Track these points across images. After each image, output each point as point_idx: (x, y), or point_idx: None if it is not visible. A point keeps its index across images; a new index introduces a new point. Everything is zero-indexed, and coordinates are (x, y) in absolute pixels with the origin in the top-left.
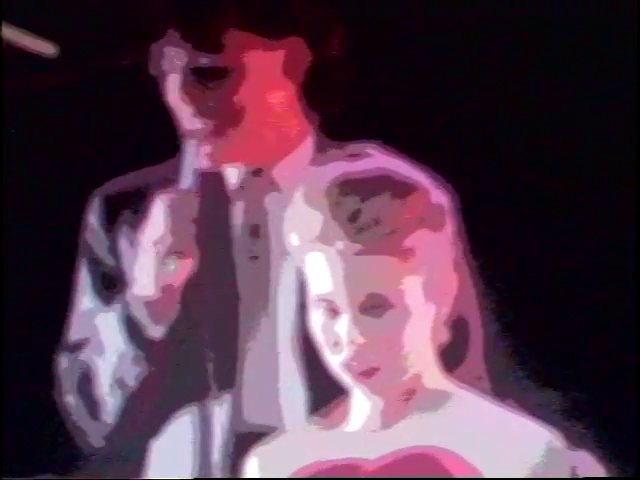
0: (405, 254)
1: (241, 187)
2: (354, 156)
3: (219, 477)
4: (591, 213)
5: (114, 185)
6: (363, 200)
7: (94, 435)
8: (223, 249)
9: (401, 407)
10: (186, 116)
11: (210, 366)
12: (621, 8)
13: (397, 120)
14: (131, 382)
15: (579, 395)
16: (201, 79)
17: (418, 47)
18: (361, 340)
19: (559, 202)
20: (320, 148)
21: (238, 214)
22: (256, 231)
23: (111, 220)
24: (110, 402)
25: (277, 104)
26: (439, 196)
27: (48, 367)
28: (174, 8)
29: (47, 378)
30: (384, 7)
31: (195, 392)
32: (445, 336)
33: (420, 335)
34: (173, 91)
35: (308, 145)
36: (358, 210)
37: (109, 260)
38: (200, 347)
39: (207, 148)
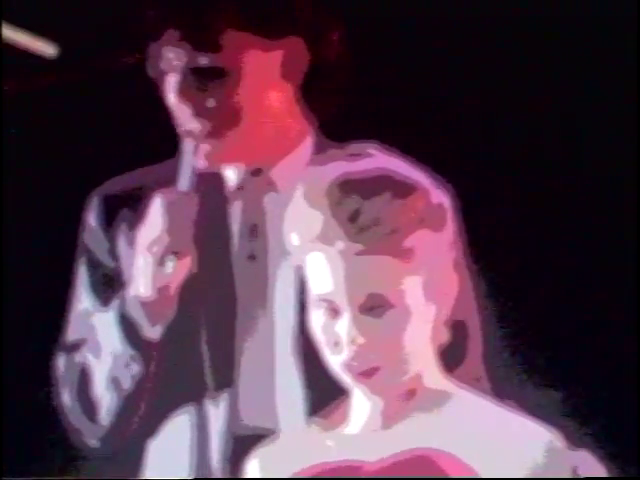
0: (405, 254)
1: (240, 187)
2: (354, 156)
3: (217, 477)
4: (591, 213)
5: (113, 185)
6: (363, 200)
7: (91, 436)
8: (221, 249)
9: (401, 407)
10: (185, 116)
11: (207, 366)
12: (621, 8)
13: (397, 120)
14: (128, 383)
15: (579, 395)
16: (200, 79)
17: (418, 47)
18: (361, 340)
19: (559, 202)
20: (319, 148)
21: (236, 214)
22: (254, 231)
23: (110, 220)
24: (106, 402)
25: (276, 104)
26: (439, 196)
27: (47, 367)
28: (173, 8)
29: (46, 379)
30: (384, 7)
31: (192, 392)
32: (445, 336)
33: (420, 335)
34: (172, 91)
35: (307, 145)
36: (358, 210)
37: (107, 260)
38: (197, 347)
39: (206, 148)
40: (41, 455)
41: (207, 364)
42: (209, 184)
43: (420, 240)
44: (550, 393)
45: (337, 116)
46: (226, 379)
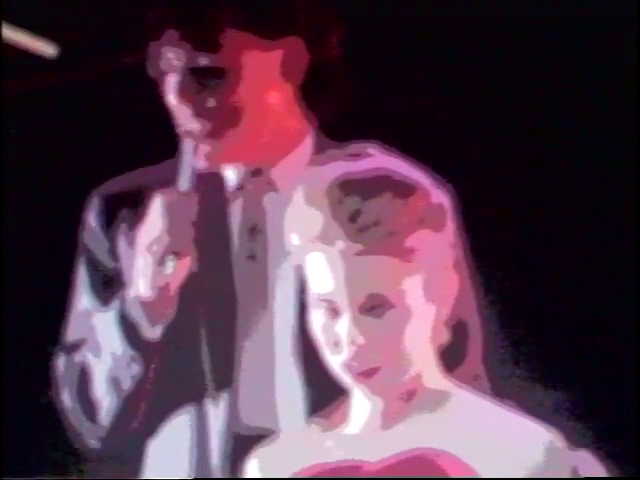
0: (406, 254)
1: (240, 187)
2: (354, 156)
3: (217, 477)
4: (591, 213)
5: (113, 185)
6: (364, 200)
7: (91, 436)
8: (221, 249)
9: (401, 407)
10: (184, 116)
11: (207, 366)
12: (621, 8)
13: (397, 120)
14: (128, 383)
15: (579, 395)
16: (200, 79)
17: (418, 47)
18: (361, 340)
19: (559, 202)
20: (319, 148)
21: (236, 214)
22: (254, 231)
23: (110, 220)
24: (106, 403)
25: (276, 104)
26: (439, 196)
27: (47, 368)
28: (173, 8)
29: (46, 379)
30: (384, 7)
31: (192, 392)
32: (445, 336)
33: (420, 335)
34: (172, 91)
35: (307, 145)
36: (359, 210)
37: (107, 260)
38: (197, 347)
39: (206, 148)
40: (41, 455)
41: (207, 364)
42: (209, 184)
43: (420, 240)
44: (550, 393)
45: (337, 116)
46: (226, 379)
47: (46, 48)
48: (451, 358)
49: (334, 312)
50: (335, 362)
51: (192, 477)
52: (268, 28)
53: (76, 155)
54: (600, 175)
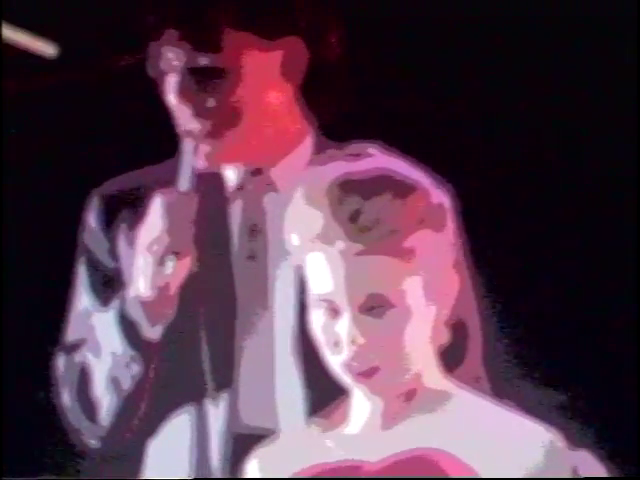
0: (406, 254)
1: (240, 187)
2: (354, 156)
3: (217, 477)
4: (591, 213)
5: (113, 185)
6: (364, 200)
7: (91, 435)
8: (221, 249)
9: (401, 407)
10: (184, 116)
11: (207, 366)
12: (621, 8)
13: (397, 120)
14: (128, 383)
15: (579, 395)
16: (200, 79)
17: (418, 47)
18: (361, 340)
19: (559, 202)
20: (319, 148)
21: (236, 214)
22: (254, 231)
23: (110, 220)
24: (106, 402)
25: (276, 104)
26: (440, 196)
27: (47, 367)
28: (173, 8)
29: (46, 379)
30: (384, 7)
31: (192, 392)
32: (445, 336)
33: (420, 335)
34: (172, 91)
35: (307, 145)
36: (359, 210)
37: (107, 260)
38: (197, 347)
39: (205, 148)
40: (41, 455)
41: (207, 364)
42: (209, 184)
43: (420, 240)
44: (550, 393)
45: (337, 116)
46: (226, 379)
47: (46, 48)
48: (451, 358)
49: (334, 312)
50: (335, 362)
51: (192, 477)
52: (268, 28)
53: (76, 155)
54: (600, 175)
